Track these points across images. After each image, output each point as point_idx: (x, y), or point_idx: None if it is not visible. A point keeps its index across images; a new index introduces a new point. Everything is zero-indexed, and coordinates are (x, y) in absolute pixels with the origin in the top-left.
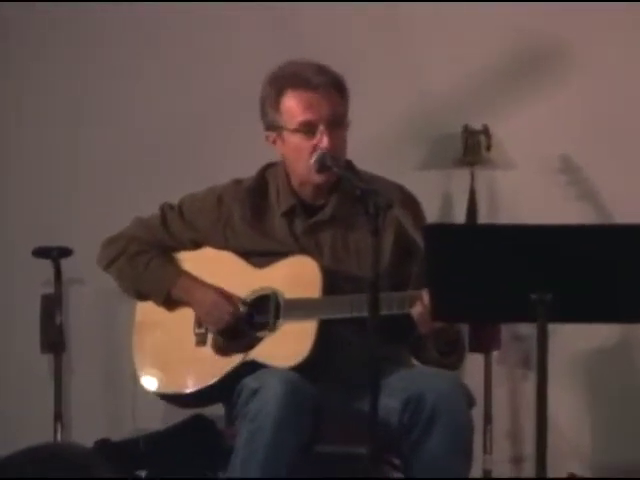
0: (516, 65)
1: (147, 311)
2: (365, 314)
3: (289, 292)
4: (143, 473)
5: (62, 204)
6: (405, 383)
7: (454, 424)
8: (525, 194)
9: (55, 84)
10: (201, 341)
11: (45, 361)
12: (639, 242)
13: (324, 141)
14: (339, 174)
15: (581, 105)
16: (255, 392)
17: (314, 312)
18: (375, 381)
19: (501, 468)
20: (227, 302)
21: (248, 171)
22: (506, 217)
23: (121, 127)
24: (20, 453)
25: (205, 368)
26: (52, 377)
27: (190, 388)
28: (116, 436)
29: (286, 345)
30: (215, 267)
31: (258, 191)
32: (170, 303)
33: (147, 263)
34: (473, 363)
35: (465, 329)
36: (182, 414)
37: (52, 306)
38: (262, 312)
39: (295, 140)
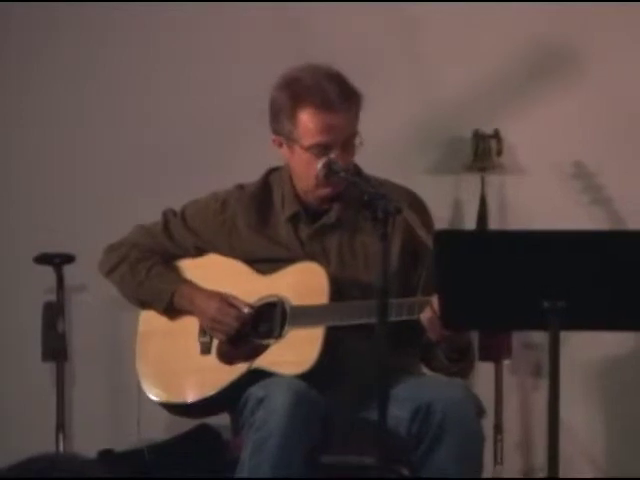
0: (528, 68)
1: (150, 321)
2: (373, 320)
3: (296, 299)
4: None
5: (64, 210)
6: (413, 392)
7: (464, 434)
8: (537, 200)
9: (57, 89)
10: (206, 350)
11: (47, 370)
12: None
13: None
14: (346, 179)
15: (595, 109)
16: (261, 401)
17: (321, 319)
18: (384, 390)
19: None
20: (232, 307)
21: (253, 177)
22: (517, 223)
23: (124, 133)
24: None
25: (210, 377)
26: (54, 386)
27: (195, 397)
28: (120, 447)
29: (293, 352)
30: (219, 274)
31: (262, 196)
32: (173, 312)
33: (149, 270)
34: (483, 372)
35: (475, 337)
36: (187, 424)
37: (54, 314)
38: (268, 319)
39: (306, 157)
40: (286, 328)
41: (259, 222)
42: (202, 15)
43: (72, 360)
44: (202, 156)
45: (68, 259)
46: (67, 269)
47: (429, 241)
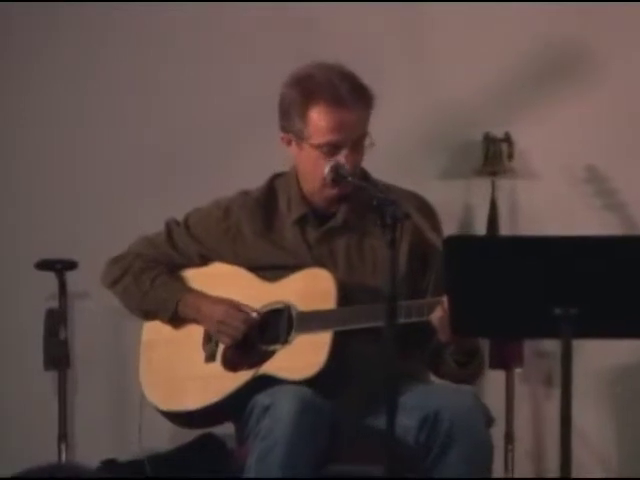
0: (539, 70)
1: (154, 330)
2: (381, 324)
3: (303, 305)
4: None
5: (67, 215)
6: (421, 400)
7: (472, 443)
8: (548, 205)
9: (58, 91)
10: (210, 357)
11: (49, 378)
12: None
13: (346, 163)
14: (354, 184)
15: (607, 112)
16: (267, 409)
17: (328, 323)
18: (392, 397)
19: None
20: (239, 311)
21: (258, 180)
22: (528, 228)
23: (126, 137)
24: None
25: (214, 384)
26: (56, 395)
27: (198, 404)
28: (123, 456)
29: (300, 357)
30: (224, 282)
31: (267, 201)
32: (177, 321)
33: (153, 280)
34: (494, 381)
35: (486, 345)
36: (191, 433)
37: (56, 321)
38: (274, 326)
39: (315, 155)
40: (293, 334)
41: (264, 228)
42: (204, 15)
43: (74, 368)
44: (206, 160)
45: (70, 265)
46: (69, 275)
47: (438, 242)
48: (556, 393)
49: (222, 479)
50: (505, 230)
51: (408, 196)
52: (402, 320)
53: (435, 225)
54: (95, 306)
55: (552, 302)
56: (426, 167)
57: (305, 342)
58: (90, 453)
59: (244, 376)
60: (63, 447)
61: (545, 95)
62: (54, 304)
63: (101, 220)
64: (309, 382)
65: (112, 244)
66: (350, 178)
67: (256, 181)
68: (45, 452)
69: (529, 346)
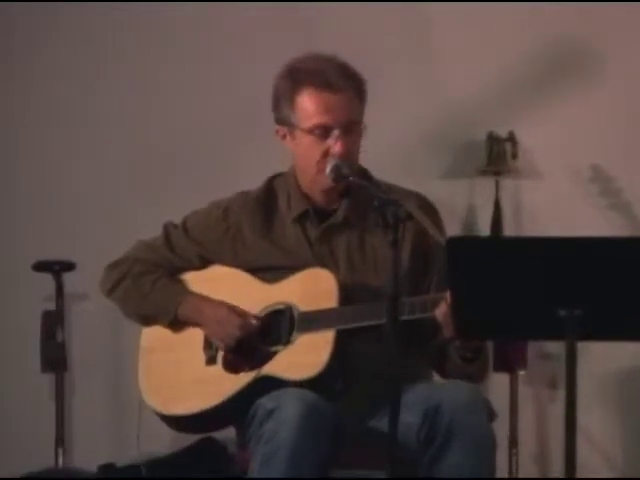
0: (543, 69)
1: (153, 334)
2: (384, 321)
3: (304, 306)
4: None
5: (64, 216)
6: (422, 396)
7: (474, 438)
8: (553, 205)
9: (59, 92)
10: (211, 360)
11: (46, 381)
12: None
13: (337, 146)
14: (356, 184)
15: (612, 111)
16: (271, 413)
17: (330, 322)
18: (396, 399)
19: None
20: (238, 316)
21: (259, 180)
22: (532, 229)
23: (124, 138)
24: None
25: (215, 387)
26: (53, 398)
27: (199, 408)
28: (121, 461)
29: (302, 357)
30: (225, 285)
31: (266, 200)
32: (177, 325)
33: (154, 283)
34: (498, 383)
35: (490, 348)
36: (191, 437)
37: (53, 323)
38: (276, 327)
39: (307, 141)
40: (294, 334)
41: (264, 228)
42: (204, 15)
43: (72, 371)
44: (206, 160)
45: (68, 266)
46: (67, 277)
47: (441, 240)
48: (560, 395)
49: (226, 479)
50: (509, 230)
51: (409, 195)
52: (406, 316)
53: (437, 223)
54: (93, 308)
55: (556, 303)
56: (429, 167)
57: (307, 342)
58: (88, 457)
59: (246, 378)
60: (60, 451)
61: (548, 94)
62: (51, 306)
63: (99, 221)
64: (311, 382)
65: (110, 245)
66: (352, 178)
67: (256, 181)
68: (42, 456)
69: (533, 348)
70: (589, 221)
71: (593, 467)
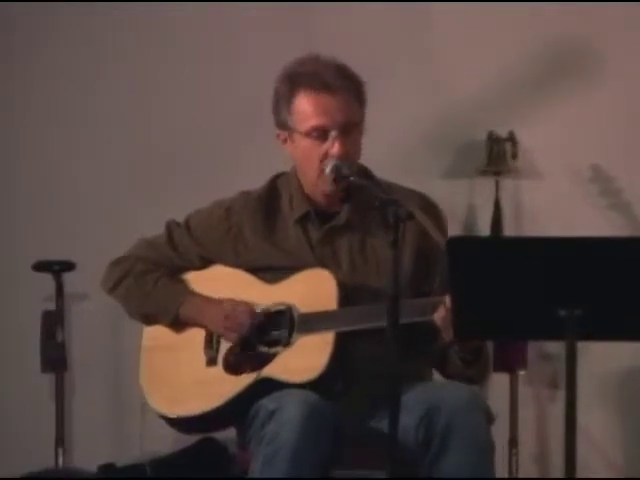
0: (544, 69)
1: (154, 335)
2: (383, 324)
3: (304, 307)
4: None
5: (64, 216)
6: (422, 397)
7: (471, 440)
8: (553, 205)
9: (59, 93)
10: (212, 361)
11: (46, 381)
12: None
13: (335, 147)
14: (357, 184)
15: (612, 111)
16: (272, 414)
17: (330, 324)
18: (396, 401)
19: None
20: (243, 308)
21: (261, 180)
22: (533, 229)
23: (125, 138)
24: None
25: (216, 388)
26: (53, 398)
27: (201, 409)
28: (121, 461)
29: (302, 359)
30: (226, 285)
31: (269, 200)
32: (178, 324)
33: (156, 282)
34: (498, 383)
35: (490, 348)
36: (192, 438)
37: (54, 323)
38: (276, 328)
39: (305, 144)
40: (294, 335)
41: (266, 229)
42: (204, 15)
43: (72, 371)
44: (206, 160)
45: (68, 266)
46: (67, 277)
47: (443, 242)
48: (560, 395)
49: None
50: (509, 230)
51: (412, 195)
52: (405, 320)
53: (440, 224)
54: (93, 308)
55: (556, 303)
56: (429, 167)
57: (307, 344)
58: (88, 457)
59: (246, 379)
60: (60, 451)
61: (549, 94)
62: (51, 306)
63: (99, 221)
64: (311, 384)
65: (110, 245)
66: (352, 178)
67: (257, 181)
68: (42, 456)
69: (533, 348)
70: (589, 221)
71: (593, 467)
